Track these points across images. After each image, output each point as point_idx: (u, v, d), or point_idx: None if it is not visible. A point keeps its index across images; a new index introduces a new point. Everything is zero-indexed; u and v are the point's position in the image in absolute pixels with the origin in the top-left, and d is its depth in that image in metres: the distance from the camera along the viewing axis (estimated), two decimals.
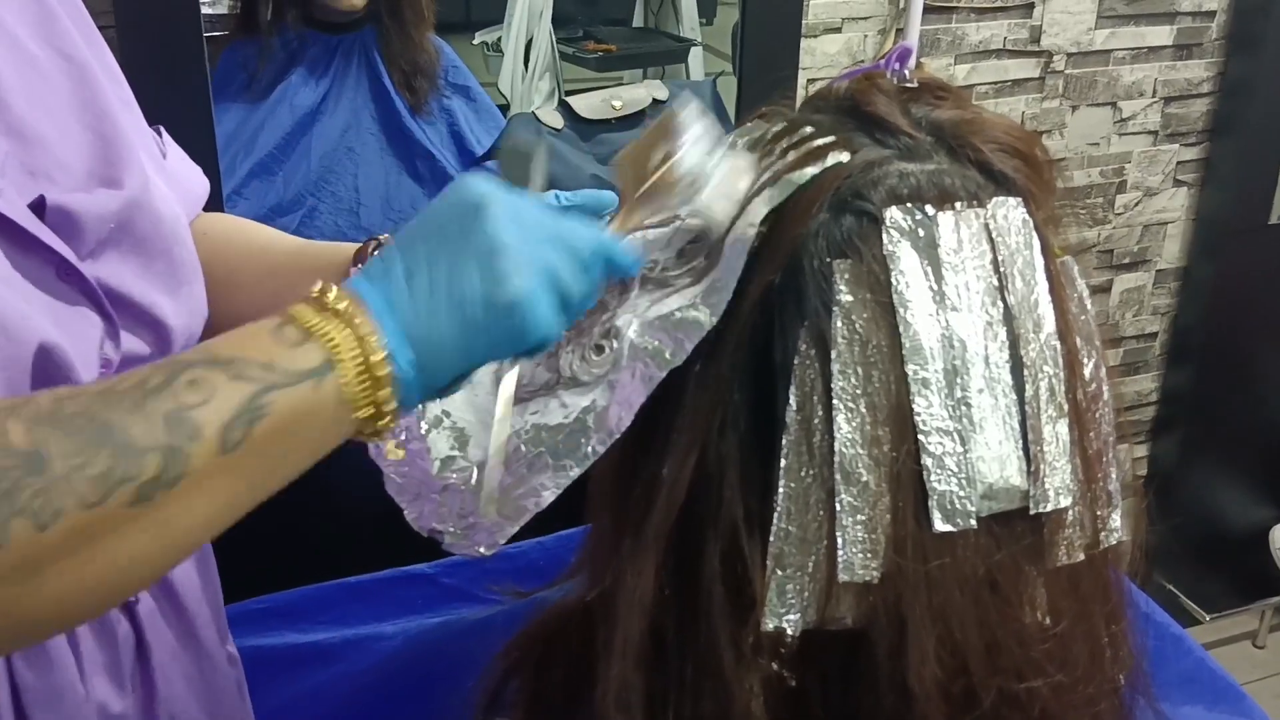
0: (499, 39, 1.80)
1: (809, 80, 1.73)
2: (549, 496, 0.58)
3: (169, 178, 0.72)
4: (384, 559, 0.98)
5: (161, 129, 0.78)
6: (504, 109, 1.76)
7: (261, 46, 1.57)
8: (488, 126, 1.68)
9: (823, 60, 1.74)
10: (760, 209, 0.56)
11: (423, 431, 0.63)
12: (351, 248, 0.80)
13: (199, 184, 0.80)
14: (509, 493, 0.58)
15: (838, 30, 1.74)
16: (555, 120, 1.63)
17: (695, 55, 1.94)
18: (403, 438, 0.63)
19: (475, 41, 1.81)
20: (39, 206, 0.59)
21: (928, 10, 1.74)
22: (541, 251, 0.55)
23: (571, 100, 1.67)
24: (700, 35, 1.93)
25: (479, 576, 0.93)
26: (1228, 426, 2.25)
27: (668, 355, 0.56)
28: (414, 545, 0.97)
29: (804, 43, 1.69)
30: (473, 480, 0.60)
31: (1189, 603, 2.28)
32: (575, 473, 0.58)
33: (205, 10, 1.59)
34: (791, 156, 0.58)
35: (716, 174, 0.61)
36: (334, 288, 0.53)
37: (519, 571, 0.89)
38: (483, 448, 0.60)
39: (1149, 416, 2.30)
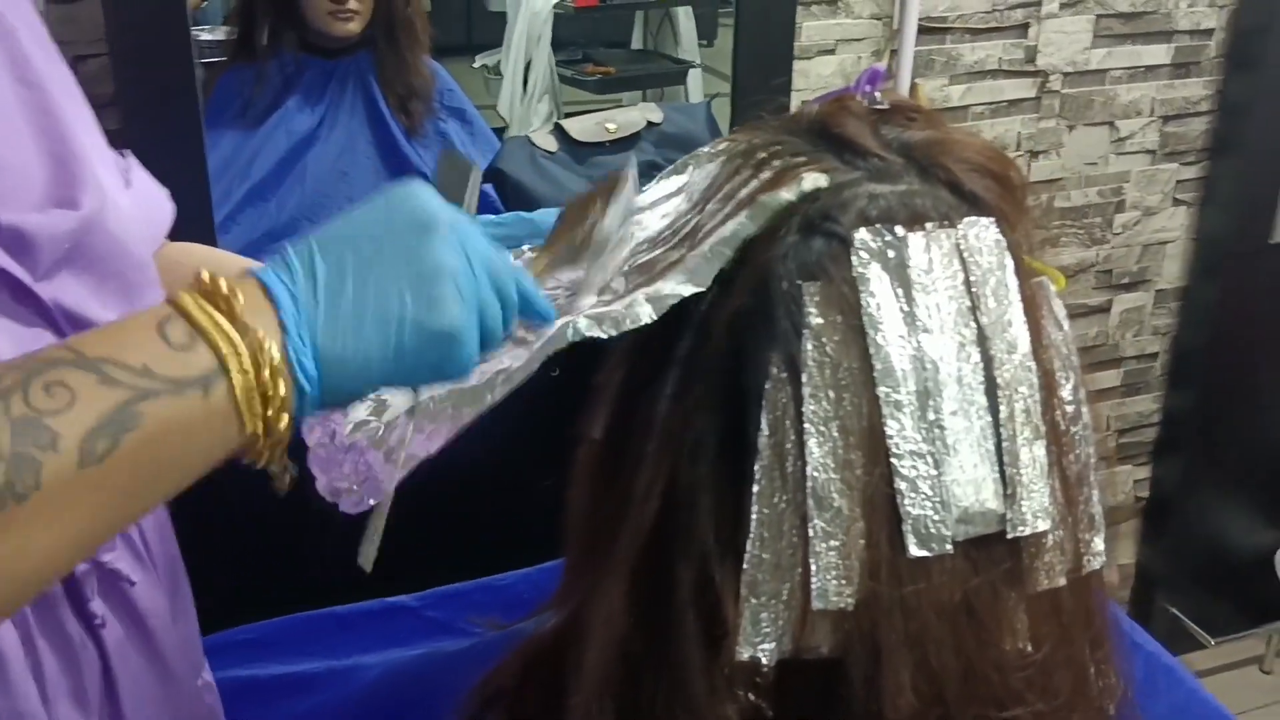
0: (499, 62, 1.81)
1: (803, 102, 1.73)
2: (439, 442, 0.57)
3: (133, 200, 0.72)
4: (369, 589, 0.98)
5: (128, 152, 0.78)
6: (503, 131, 1.76)
7: (258, 72, 1.58)
8: (483, 149, 1.69)
9: (817, 82, 1.74)
10: (736, 232, 0.56)
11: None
12: None
13: (164, 208, 0.79)
14: (405, 444, 0.58)
15: (831, 52, 1.74)
16: (549, 143, 1.64)
17: (695, 76, 1.95)
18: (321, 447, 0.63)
19: (476, 64, 1.83)
20: None
21: (922, 31, 1.74)
22: (479, 284, 0.52)
23: (565, 123, 1.68)
24: (700, 56, 1.94)
25: (464, 609, 0.92)
26: (1231, 447, 2.24)
27: (592, 328, 0.55)
28: (401, 577, 0.97)
29: (797, 64, 1.70)
30: (379, 435, 0.59)
31: (1194, 627, 2.26)
32: (469, 417, 0.56)
33: (204, 36, 1.60)
34: (767, 175, 0.57)
35: (612, 245, 0.63)
36: (226, 280, 0.48)
37: (505, 604, 0.88)
38: (398, 411, 0.59)
39: (1150, 438, 2.29)
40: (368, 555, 0.58)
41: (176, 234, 0.84)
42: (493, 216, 0.71)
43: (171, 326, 0.47)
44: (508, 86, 1.81)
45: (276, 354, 0.48)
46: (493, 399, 0.56)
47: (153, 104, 1.35)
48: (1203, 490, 2.26)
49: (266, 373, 0.47)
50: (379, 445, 0.59)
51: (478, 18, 1.85)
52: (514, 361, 0.57)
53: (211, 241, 1.44)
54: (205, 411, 0.46)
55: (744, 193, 0.58)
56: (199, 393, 0.46)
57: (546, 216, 0.71)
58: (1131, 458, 2.29)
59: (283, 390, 0.48)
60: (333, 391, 0.50)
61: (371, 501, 0.59)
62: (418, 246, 0.51)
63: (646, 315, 0.55)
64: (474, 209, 0.63)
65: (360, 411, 0.61)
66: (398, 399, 0.61)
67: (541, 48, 1.81)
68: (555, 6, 1.78)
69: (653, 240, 0.63)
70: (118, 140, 0.74)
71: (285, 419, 0.48)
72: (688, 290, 0.55)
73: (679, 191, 0.66)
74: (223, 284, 0.48)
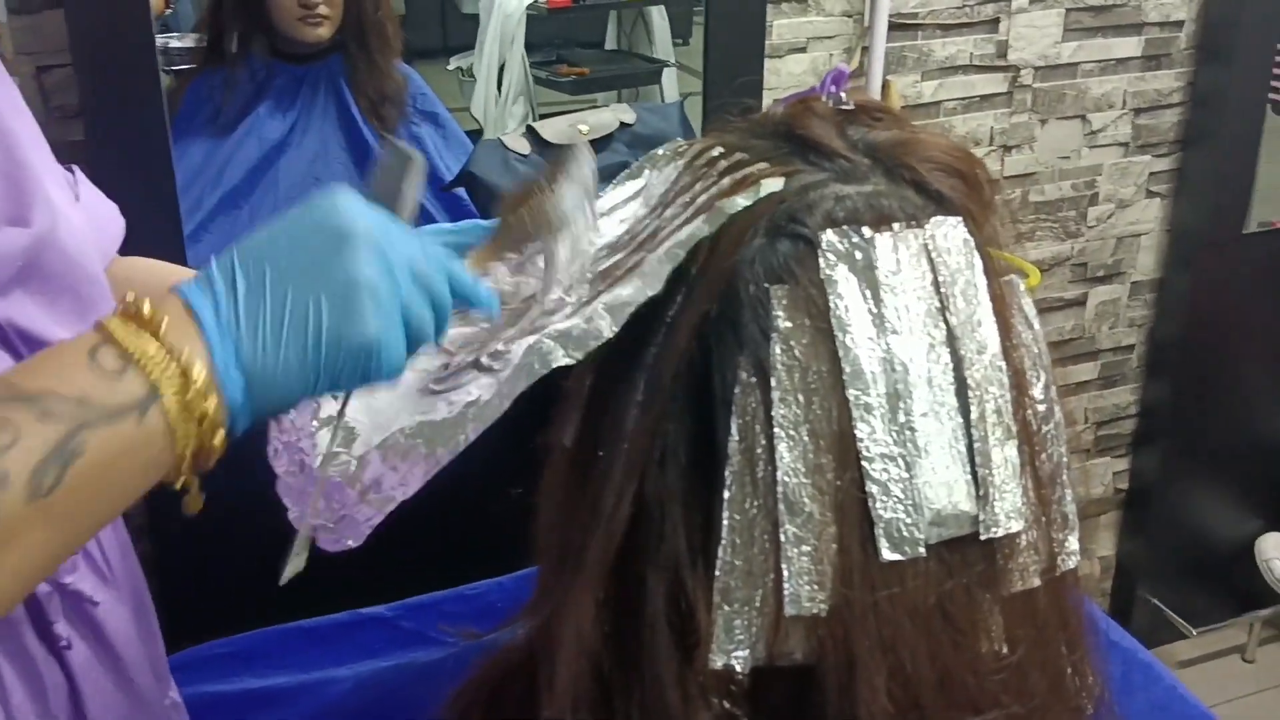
0: (473, 64, 1.80)
1: (775, 101, 1.73)
2: (416, 484, 0.57)
3: (83, 215, 0.71)
4: (341, 600, 0.97)
5: (75, 168, 0.77)
6: (477, 134, 1.75)
7: (228, 78, 1.57)
8: (456, 153, 1.68)
9: (789, 80, 1.73)
10: (692, 235, 0.55)
11: (313, 429, 0.62)
12: None
13: (114, 223, 0.79)
14: (381, 483, 0.57)
15: (803, 50, 1.74)
16: (522, 146, 1.63)
17: (669, 75, 1.94)
18: (278, 446, 0.62)
19: (450, 67, 1.82)
20: None
21: (892, 28, 1.74)
22: (400, 290, 0.52)
23: (538, 125, 1.66)
24: (675, 55, 1.93)
25: (438, 620, 0.92)
26: (1209, 437, 2.25)
27: (559, 356, 0.55)
28: (373, 587, 0.96)
29: (769, 63, 1.69)
30: (350, 471, 0.59)
31: (1175, 617, 2.26)
32: (445, 459, 0.56)
33: (174, 44, 1.58)
34: (726, 182, 0.57)
35: (576, 225, 0.63)
36: (152, 303, 0.49)
37: (478, 613, 0.87)
38: (369, 444, 0.59)
39: (1129, 430, 2.29)
40: (291, 570, 0.58)
41: (145, 244, 0.83)
42: (448, 225, 0.70)
43: (103, 354, 0.47)
44: (481, 89, 1.80)
45: (204, 373, 0.48)
46: (466, 439, 0.56)
47: (119, 114, 1.34)
48: (1182, 480, 2.27)
49: (195, 392, 0.48)
50: (352, 482, 0.58)
51: (451, 20, 1.84)
52: (482, 393, 0.57)
53: (180, 251, 1.42)
54: (142, 435, 0.47)
55: (703, 198, 0.57)
56: (135, 417, 0.47)
57: None
58: (1110, 450, 2.29)
59: (213, 408, 0.49)
60: (263, 404, 0.51)
61: (351, 543, 0.58)
62: (334, 259, 0.51)
63: (608, 329, 0.55)
64: (411, 203, 0.62)
65: (327, 441, 0.61)
66: (365, 426, 0.60)
67: (515, 49, 1.80)
68: (528, 7, 1.77)
69: (612, 246, 0.63)
70: (83, 151, 0.73)
71: (220, 434, 0.49)
72: (642, 295, 0.55)
73: (636, 196, 0.66)
74: (146, 307, 0.48)
